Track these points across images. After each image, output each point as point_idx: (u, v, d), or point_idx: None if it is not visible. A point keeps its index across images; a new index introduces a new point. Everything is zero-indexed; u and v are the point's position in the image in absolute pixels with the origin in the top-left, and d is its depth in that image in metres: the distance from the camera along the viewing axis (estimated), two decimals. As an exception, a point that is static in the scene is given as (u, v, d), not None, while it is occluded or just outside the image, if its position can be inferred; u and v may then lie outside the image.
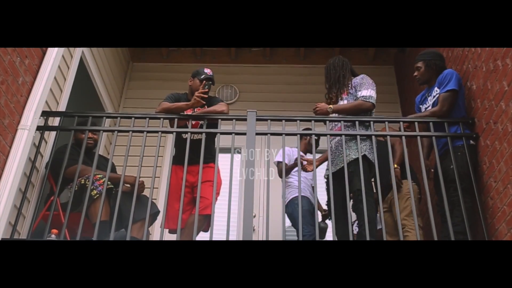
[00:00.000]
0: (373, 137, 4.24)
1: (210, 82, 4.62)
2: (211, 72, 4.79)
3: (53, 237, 3.81)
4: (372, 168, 4.18)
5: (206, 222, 4.40)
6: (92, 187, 4.15)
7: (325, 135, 4.35)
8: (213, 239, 3.79)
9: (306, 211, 4.91)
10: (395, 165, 4.60)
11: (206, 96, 4.44)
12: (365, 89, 4.46)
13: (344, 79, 4.61)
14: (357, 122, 4.30)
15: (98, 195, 4.21)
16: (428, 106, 4.44)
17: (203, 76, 4.69)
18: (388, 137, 4.24)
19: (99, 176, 4.32)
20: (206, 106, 4.61)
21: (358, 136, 4.23)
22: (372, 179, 4.32)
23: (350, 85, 4.58)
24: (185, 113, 4.51)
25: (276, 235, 4.54)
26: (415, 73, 4.58)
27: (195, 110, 4.57)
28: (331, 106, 4.50)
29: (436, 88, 4.36)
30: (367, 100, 4.42)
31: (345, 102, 4.53)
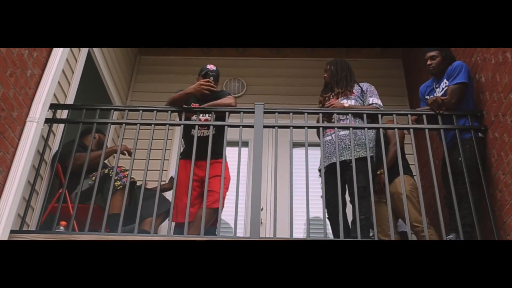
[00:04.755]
0: (381, 130, 4.24)
1: (214, 74, 4.66)
2: (214, 67, 4.83)
3: (61, 229, 3.83)
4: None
5: (215, 216, 4.41)
6: (116, 178, 4.18)
7: (333, 127, 4.35)
8: (221, 232, 3.81)
9: None
10: (381, 171, 4.53)
11: (213, 88, 4.45)
12: (376, 98, 4.64)
13: (350, 80, 4.76)
14: (364, 115, 4.30)
15: (121, 187, 4.24)
16: (436, 98, 4.42)
17: (204, 72, 4.77)
18: (397, 130, 4.26)
19: (123, 167, 4.37)
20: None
21: (365, 129, 4.26)
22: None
23: (359, 87, 4.72)
24: (192, 106, 4.52)
25: (283, 229, 4.53)
26: (429, 62, 4.48)
27: (203, 105, 4.58)
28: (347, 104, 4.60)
29: (445, 80, 4.33)
30: (380, 108, 4.59)
31: (352, 102, 4.61)
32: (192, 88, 4.49)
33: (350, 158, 4.23)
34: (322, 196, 3.96)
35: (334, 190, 4.13)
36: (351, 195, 4.19)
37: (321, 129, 4.36)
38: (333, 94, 4.73)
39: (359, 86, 4.74)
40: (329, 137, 4.53)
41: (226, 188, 4.63)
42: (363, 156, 4.31)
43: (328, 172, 4.35)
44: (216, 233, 4.01)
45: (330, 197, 4.34)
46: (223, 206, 4.16)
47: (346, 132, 4.44)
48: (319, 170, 4.49)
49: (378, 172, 4.50)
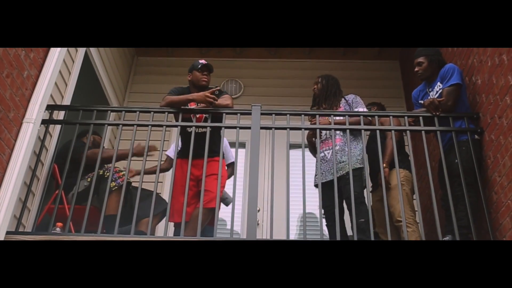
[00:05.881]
0: (377, 131, 4.25)
1: (219, 88, 4.62)
2: (205, 62, 4.81)
3: (58, 230, 3.82)
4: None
5: (211, 216, 4.40)
6: (111, 179, 4.18)
7: (330, 129, 4.37)
8: (218, 233, 3.80)
9: None
10: (384, 165, 4.60)
11: (214, 101, 4.41)
12: (362, 107, 4.72)
13: (338, 96, 4.85)
14: (361, 117, 4.32)
15: (116, 188, 4.24)
16: (431, 101, 4.43)
17: (200, 65, 4.73)
18: (393, 131, 4.30)
19: (118, 168, 4.36)
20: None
21: (362, 131, 4.30)
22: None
23: (345, 101, 4.79)
24: (190, 106, 4.51)
25: (280, 230, 4.54)
26: (416, 69, 4.53)
27: (199, 104, 4.57)
28: None
29: (438, 83, 4.34)
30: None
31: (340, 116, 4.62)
32: (196, 96, 4.42)
33: (345, 172, 4.32)
34: (319, 207, 4.04)
35: (331, 200, 4.20)
36: (347, 200, 4.24)
37: (317, 131, 4.35)
38: (322, 108, 4.80)
39: (345, 99, 4.81)
40: (322, 154, 4.64)
41: (223, 187, 4.63)
42: (355, 167, 4.36)
43: (324, 187, 4.44)
44: (213, 234, 4.00)
45: (327, 206, 4.44)
46: (219, 206, 4.17)
47: (336, 149, 4.50)
48: (315, 186, 4.62)
49: (384, 166, 4.57)
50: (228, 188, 4.93)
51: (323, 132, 4.66)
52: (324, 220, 4.54)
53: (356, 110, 4.65)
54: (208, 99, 4.35)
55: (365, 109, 4.68)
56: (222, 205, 4.69)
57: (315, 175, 4.68)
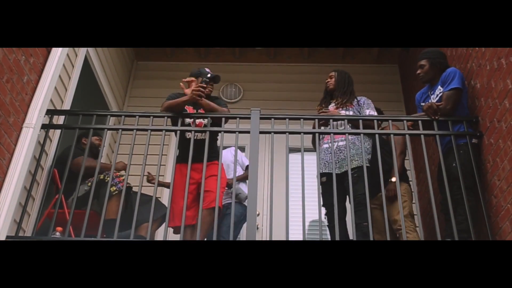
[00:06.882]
0: (376, 135, 4.25)
1: (208, 80, 4.61)
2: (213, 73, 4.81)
3: (57, 235, 3.83)
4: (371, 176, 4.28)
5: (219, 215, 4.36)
6: (111, 183, 4.18)
7: (328, 133, 4.37)
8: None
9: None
10: (393, 179, 4.49)
11: (203, 93, 4.39)
12: (372, 110, 4.72)
13: (353, 94, 4.82)
14: (360, 121, 4.32)
15: (116, 192, 4.24)
16: (431, 105, 4.43)
17: (208, 75, 4.69)
18: (392, 135, 4.30)
19: (119, 173, 4.37)
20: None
21: (362, 135, 4.29)
22: None
23: (356, 101, 4.77)
24: (186, 108, 4.51)
25: (279, 234, 4.54)
26: (418, 71, 4.54)
27: (198, 111, 4.56)
28: None
29: (439, 87, 4.35)
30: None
31: (350, 113, 4.65)
32: (187, 97, 4.41)
33: (351, 167, 4.22)
34: (319, 202, 4.01)
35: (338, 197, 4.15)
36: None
37: (317, 135, 4.36)
38: (335, 102, 4.76)
39: (356, 99, 4.79)
40: (326, 145, 4.59)
41: (223, 188, 4.63)
42: (361, 165, 4.29)
43: (329, 181, 4.34)
44: (213, 237, 4.00)
45: (330, 205, 4.33)
46: (221, 207, 4.17)
47: (345, 143, 4.46)
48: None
49: (390, 180, 4.55)
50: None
51: (334, 122, 4.53)
52: (325, 221, 4.52)
53: (367, 111, 4.66)
54: (194, 93, 4.33)
55: (375, 113, 4.68)
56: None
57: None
